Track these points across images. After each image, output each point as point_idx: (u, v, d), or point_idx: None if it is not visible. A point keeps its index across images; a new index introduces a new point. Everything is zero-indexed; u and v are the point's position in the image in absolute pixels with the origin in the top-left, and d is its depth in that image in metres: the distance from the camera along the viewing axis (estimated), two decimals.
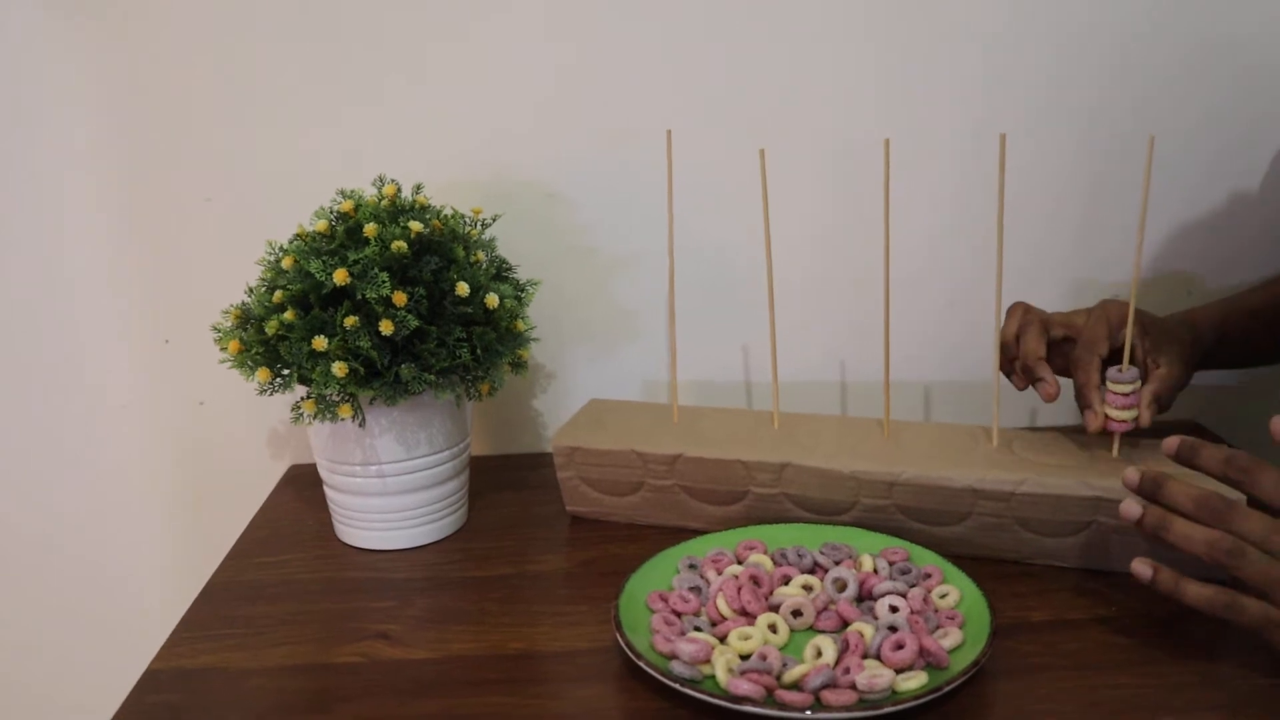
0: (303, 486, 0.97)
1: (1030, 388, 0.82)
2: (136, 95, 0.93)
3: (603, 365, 1.02)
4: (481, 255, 0.82)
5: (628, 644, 0.65)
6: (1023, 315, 0.84)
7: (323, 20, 0.91)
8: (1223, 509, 0.64)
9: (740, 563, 0.76)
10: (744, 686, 0.61)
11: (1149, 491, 0.68)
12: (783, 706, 0.60)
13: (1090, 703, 0.63)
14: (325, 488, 0.86)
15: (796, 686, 0.62)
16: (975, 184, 0.95)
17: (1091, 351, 0.79)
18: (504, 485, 0.95)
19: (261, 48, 0.92)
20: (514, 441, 1.03)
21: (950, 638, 0.66)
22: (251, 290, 0.83)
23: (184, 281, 0.98)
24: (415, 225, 0.77)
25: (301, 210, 0.84)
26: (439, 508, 0.85)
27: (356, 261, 0.75)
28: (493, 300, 0.78)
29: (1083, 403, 0.79)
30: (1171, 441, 0.68)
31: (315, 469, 0.98)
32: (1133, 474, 0.68)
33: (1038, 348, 0.81)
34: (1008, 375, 0.84)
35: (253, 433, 1.02)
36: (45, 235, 0.96)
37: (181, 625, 0.75)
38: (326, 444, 0.82)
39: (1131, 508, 0.67)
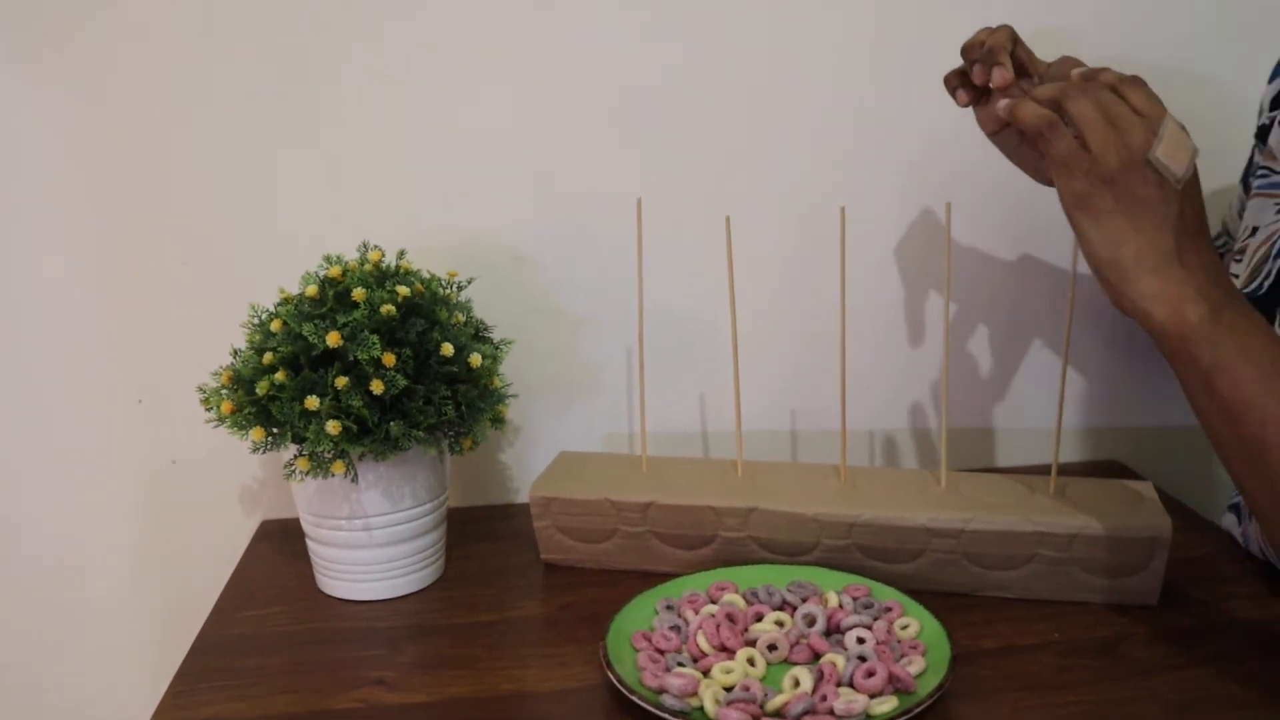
0: (277, 541, 1.00)
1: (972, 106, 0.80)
2: (114, 161, 0.96)
3: (567, 419, 1.06)
4: (461, 316, 0.86)
5: (620, 680, 0.70)
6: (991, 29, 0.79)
7: (298, 89, 0.95)
8: (1078, 68, 0.71)
9: (714, 602, 0.81)
10: (732, 715, 0.66)
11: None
12: None
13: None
14: (308, 541, 0.89)
15: (779, 714, 0.67)
16: (925, 249, 1.03)
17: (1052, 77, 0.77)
18: (477, 536, 0.99)
19: (238, 116, 0.96)
20: (483, 494, 1.07)
21: (915, 665, 0.71)
22: (237, 353, 0.86)
23: (158, 342, 1.00)
24: (403, 289, 0.81)
25: (276, 274, 0.89)
26: (421, 558, 0.88)
27: (346, 324, 0.79)
28: (476, 360, 0.83)
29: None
30: (1000, 75, 0.74)
31: (287, 524, 1.02)
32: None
33: (1005, 41, 0.76)
34: (954, 88, 0.80)
35: (225, 490, 1.04)
36: (23, 295, 0.98)
37: (178, 679, 0.78)
38: (312, 499, 0.85)
39: (998, 72, 0.73)
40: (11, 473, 1.02)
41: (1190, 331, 0.64)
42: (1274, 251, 0.82)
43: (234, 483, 1.04)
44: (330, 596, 0.89)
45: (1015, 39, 0.77)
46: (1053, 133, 0.66)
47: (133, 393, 1.01)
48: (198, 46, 0.94)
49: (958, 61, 0.79)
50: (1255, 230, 0.85)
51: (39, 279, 0.98)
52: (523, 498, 1.08)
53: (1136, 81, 0.67)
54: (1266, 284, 0.81)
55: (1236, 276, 0.84)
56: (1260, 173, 0.86)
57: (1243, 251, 0.85)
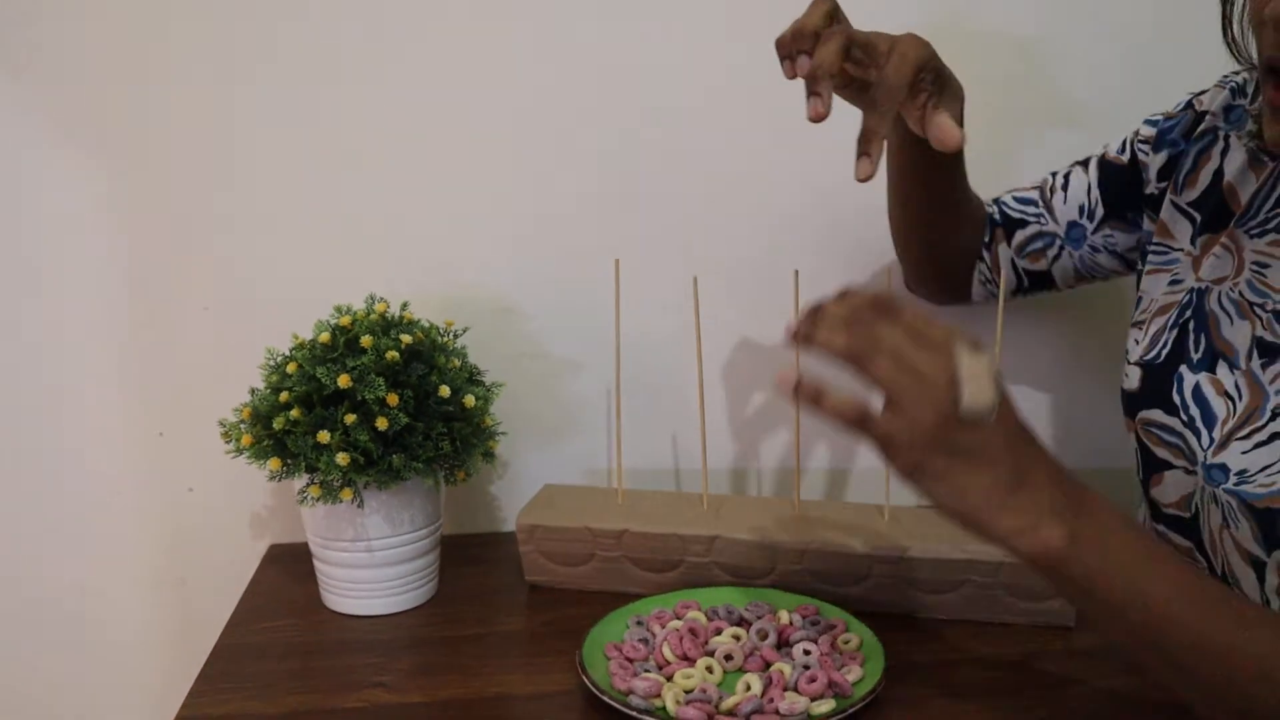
0: (286, 563, 1.09)
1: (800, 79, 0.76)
2: (144, 215, 1.06)
3: (550, 455, 1.16)
4: (456, 361, 0.97)
5: (593, 683, 0.80)
6: (825, 15, 0.76)
7: (315, 160, 1.06)
8: (868, 318, 0.65)
9: (679, 619, 0.91)
10: (690, 713, 0.76)
11: (809, 312, 0.68)
12: None
13: None
14: (316, 561, 0.98)
15: (732, 713, 0.77)
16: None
17: (890, 99, 0.75)
18: (467, 560, 1.08)
19: (260, 181, 1.06)
20: (473, 523, 1.17)
21: (854, 673, 0.81)
22: (254, 391, 0.96)
23: (178, 380, 1.10)
24: (405, 338, 0.92)
25: (288, 321, 0.98)
26: (417, 578, 0.98)
27: (355, 367, 0.90)
28: (470, 400, 0.93)
29: (862, 149, 0.74)
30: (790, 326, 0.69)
31: (294, 548, 1.11)
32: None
33: (831, 62, 0.73)
34: (785, 58, 0.76)
35: (236, 516, 1.14)
36: (53, 337, 1.07)
37: (199, 681, 0.87)
38: (321, 523, 0.95)
39: (789, 324, 0.68)
40: (38, 498, 1.11)
41: (1056, 555, 0.63)
42: (1170, 323, 0.89)
43: (245, 510, 1.14)
44: (335, 612, 0.98)
45: (850, 41, 0.75)
46: (867, 424, 0.65)
47: (155, 426, 1.11)
48: (222, 111, 1.05)
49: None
50: (1154, 301, 0.92)
51: (73, 320, 1.07)
52: (509, 526, 1.18)
53: (919, 323, 0.65)
54: (1164, 352, 0.89)
55: (1137, 343, 0.92)
56: (1155, 247, 0.93)
57: (1141, 323, 0.92)
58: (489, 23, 1.06)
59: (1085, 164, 1.01)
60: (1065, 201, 1.01)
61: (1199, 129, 0.92)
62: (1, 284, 1.06)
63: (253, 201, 1.07)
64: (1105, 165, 0.99)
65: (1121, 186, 0.98)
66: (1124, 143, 0.98)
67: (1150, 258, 0.94)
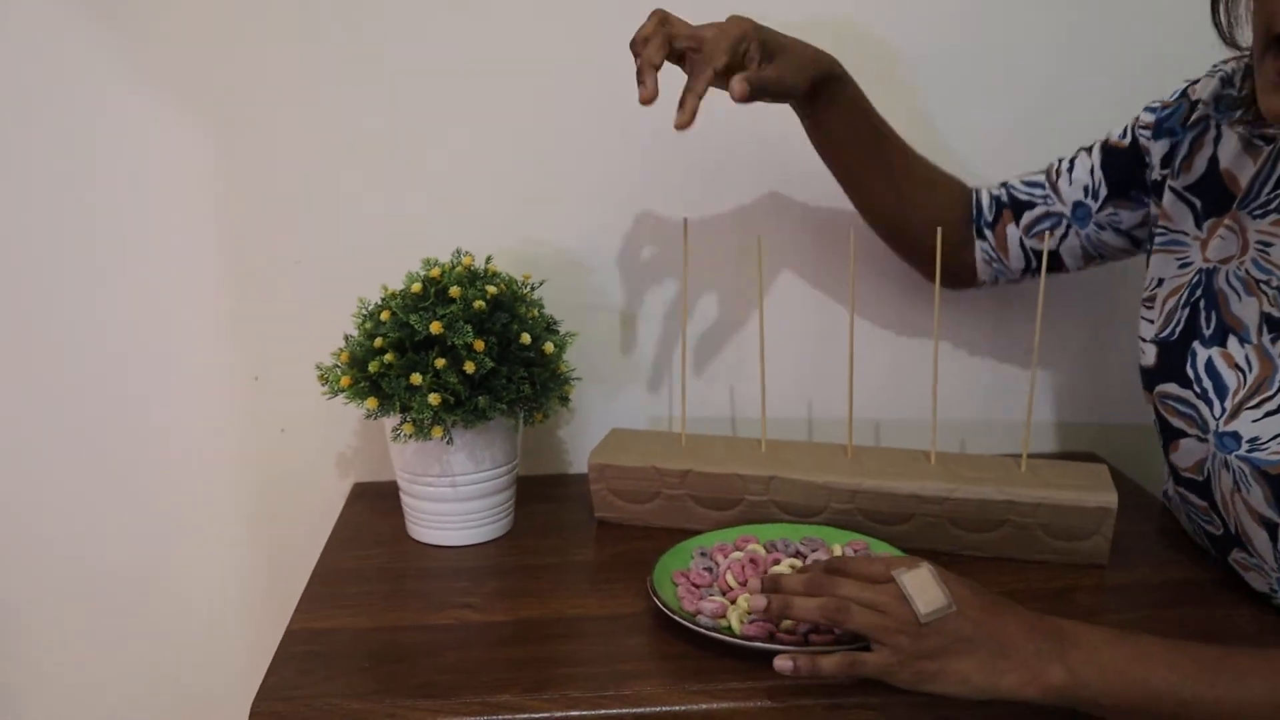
0: (371, 499, 1.18)
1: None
2: (242, 178, 1.14)
3: (613, 402, 1.24)
4: (535, 312, 1.04)
5: (664, 604, 0.88)
6: (656, 24, 0.91)
7: (401, 125, 1.14)
8: (825, 581, 0.79)
9: (739, 550, 0.98)
10: (754, 629, 0.84)
11: (770, 588, 0.82)
12: (782, 644, 0.83)
13: None
14: (403, 495, 1.07)
15: (790, 631, 0.85)
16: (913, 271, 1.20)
17: (707, 63, 0.89)
18: (539, 498, 1.16)
19: (343, 142, 1.14)
20: (544, 464, 1.25)
21: None
22: (349, 338, 1.04)
23: (272, 328, 1.18)
24: (491, 289, 1.00)
25: (373, 273, 1.07)
26: (496, 512, 1.06)
27: (444, 315, 0.98)
28: (549, 348, 1.01)
29: (680, 103, 0.88)
30: (759, 601, 0.81)
31: (378, 486, 1.20)
32: (758, 587, 0.85)
33: (654, 56, 0.89)
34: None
35: (324, 456, 1.23)
36: (157, 289, 1.16)
37: (304, 600, 0.96)
38: (411, 460, 1.03)
39: (758, 600, 0.81)
40: (143, 441, 1.20)
41: (1063, 690, 0.73)
42: (1181, 302, 0.95)
43: (332, 450, 1.23)
44: (420, 543, 1.07)
45: (671, 37, 0.90)
46: (860, 666, 0.76)
47: (249, 370, 1.20)
48: (312, 77, 1.12)
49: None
50: (1161, 281, 0.98)
51: (175, 273, 1.16)
52: (575, 469, 1.26)
53: (852, 561, 0.81)
54: (1178, 330, 0.95)
55: (1151, 323, 0.98)
56: (1159, 231, 0.99)
57: (1152, 299, 0.99)
58: None
59: (1089, 149, 1.06)
60: (1070, 183, 1.06)
61: (1193, 117, 0.97)
62: (109, 240, 1.14)
63: (342, 163, 1.15)
64: (1107, 149, 1.04)
65: (1124, 169, 1.03)
66: (1125, 128, 1.03)
67: (1157, 239, 0.99)
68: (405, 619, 0.92)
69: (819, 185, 1.19)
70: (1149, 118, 1.01)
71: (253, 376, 1.20)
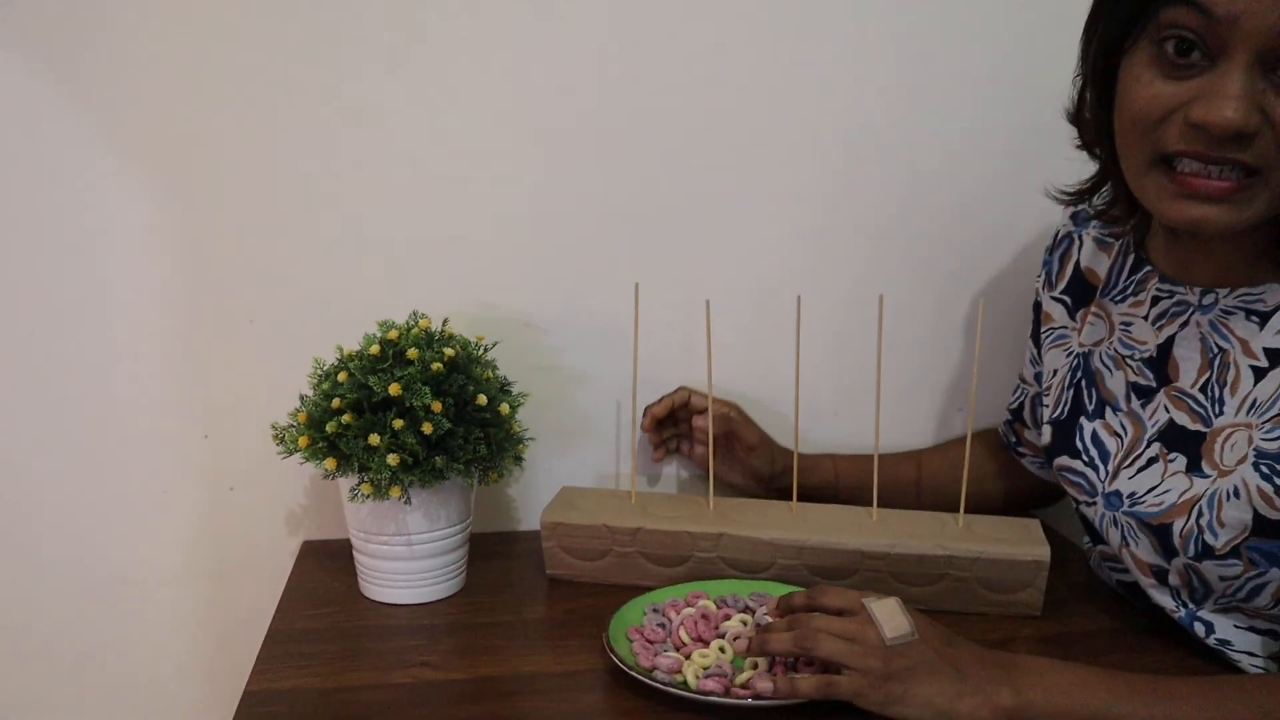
0: (321, 558, 1.18)
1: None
2: (193, 235, 1.15)
3: (562, 460, 1.26)
4: (490, 373, 1.07)
5: (620, 660, 0.90)
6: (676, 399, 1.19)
7: (354, 190, 1.16)
8: (801, 618, 0.89)
9: (691, 606, 1.01)
10: (710, 685, 0.87)
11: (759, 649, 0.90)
12: (737, 698, 0.86)
13: None
14: (357, 554, 1.08)
15: (745, 686, 0.88)
16: (858, 331, 1.25)
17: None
18: (489, 555, 1.18)
19: (297, 202, 1.15)
20: (491, 521, 1.26)
21: None
22: (304, 398, 1.06)
23: (222, 386, 1.18)
24: (448, 351, 1.02)
25: (327, 334, 1.08)
26: (450, 570, 1.08)
27: (402, 377, 1.00)
28: (505, 408, 1.03)
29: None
30: (741, 645, 0.92)
31: (327, 544, 1.21)
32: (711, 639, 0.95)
33: (649, 427, 1.18)
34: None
35: (273, 515, 1.23)
36: (109, 345, 1.16)
37: (260, 660, 0.96)
38: (366, 519, 1.04)
39: (740, 644, 0.92)
40: (90, 495, 1.19)
41: (1012, 711, 0.82)
42: (1066, 384, 1.07)
43: (281, 508, 1.23)
44: (373, 601, 1.08)
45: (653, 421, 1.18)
46: (834, 688, 0.84)
47: (200, 429, 1.20)
48: (267, 137, 1.13)
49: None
50: (1055, 372, 1.10)
51: (128, 330, 1.16)
52: (524, 526, 1.27)
53: (825, 595, 0.90)
54: (1066, 409, 1.06)
55: (1046, 407, 1.10)
56: (1045, 331, 1.13)
57: (1049, 389, 1.10)
58: (516, 56, 1.15)
59: (1028, 333, 1.21)
60: (1027, 365, 1.22)
61: (1058, 240, 1.13)
62: (61, 295, 1.14)
63: (296, 224, 1.16)
64: (1033, 324, 1.19)
65: (1036, 328, 1.17)
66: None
67: (1046, 340, 1.13)
68: (364, 678, 0.93)
69: (767, 250, 1.24)
70: (1040, 271, 1.16)
71: (202, 435, 1.20)
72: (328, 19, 1.11)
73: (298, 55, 1.12)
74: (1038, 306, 1.16)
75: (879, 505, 1.11)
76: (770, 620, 0.94)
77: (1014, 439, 1.25)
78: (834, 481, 1.23)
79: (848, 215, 1.25)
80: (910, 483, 1.25)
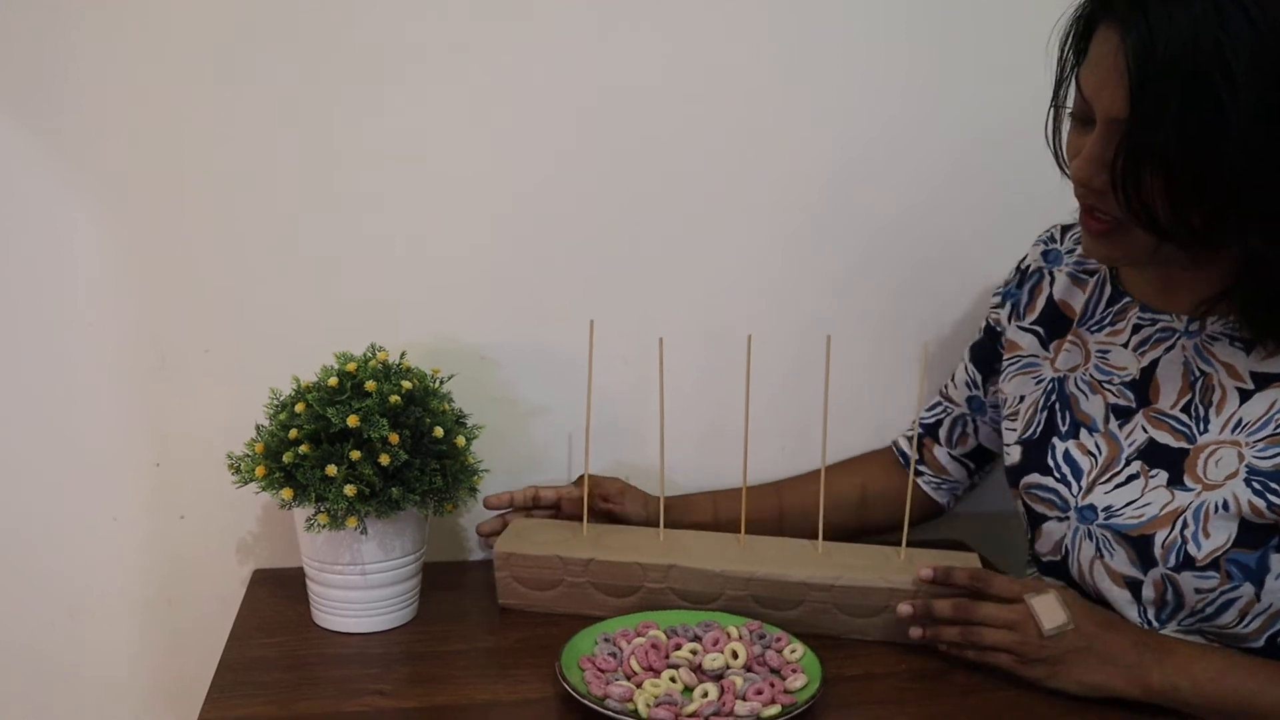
0: (272, 586, 1.19)
1: None
2: (149, 265, 1.16)
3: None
4: (447, 406, 1.08)
5: (573, 689, 0.92)
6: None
7: (304, 213, 1.17)
8: (967, 607, 1.02)
9: (642, 636, 1.03)
10: (661, 713, 0.89)
11: (922, 613, 1.04)
12: None
13: None
14: (310, 583, 1.09)
15: (694, 714, 0.90)
16: (810, 368, 1.28)
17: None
18: (441, 585, 1.18)
19: (255, 236, 1.17)
20: (442, 551, 1.27)
21: (799, 680, 0.95)
22: (260, 428, 1.07)
23: (174, 415, 1.19)
24: (406, 384, 1.04)
25: (283, 364, 1.10)
26: (404, 599, 1.09)
27: (360, 409, 1.01)
28: (461, 440, 1.05)
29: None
30: (926, 571, 1.05)
31: (278, 573, 1.22)
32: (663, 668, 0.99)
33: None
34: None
35: (224, 543, 1.23)
36: (62, 373, 1.16)
37: (214, 688, 0.97)
38: (321, 548, 1.05)
39: (904, 607, 1.05)
40: (38, 522, 1.19)
41: (1160, 691, 0.93)
42: (1040, 406, 1.11)
43: (233, 537, 1.23)
44: (326, 629, 1.09)
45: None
46: (990, 658, 1.00)
47: (151, 457, 1.20)
48: (224, 169, 1.15)
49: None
50: (1023, 398, 1.14)
51: (82, 358, 1.16)
52: (475, 556, 1.29)
53: (992, 584, 1.01)
54: (1039, 430, 1.10)
55: (1014, 430, 1.14)
56: (1011, 359, 1.17)
57: (1015, 414, 1.14)
58: (477, 94, 1.18)
59: (963, 358, 1.26)
60: (957, 387, 1.26)
61: (1028, 273, 1.18)
62: (15, 321, 1.15)
63: (252, 254, 1.17)
64: (973, 348, 1.25)
65: (989, 351, 1.22)
66: (981, 327, 1.24)
67: (1010, 368, 1.17)
68: (318, 707, 0.94)
69: (717, 289, 1.27)
70: (997, 299, 1.21)
71: (154, 463, 1.20)
72: (284, 44, 1.13)
73: (255, 83, 1.14)
74: (995, 334, 1.21)
75: (747, 533, 1.16)
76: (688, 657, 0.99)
77: (918, 456, 1.28)
78: (714, 515, 1.26)
79: (800, 258, 1.29)
80: (773, 509, 1.28)
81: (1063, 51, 0.96)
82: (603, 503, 1.21)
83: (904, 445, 1.30)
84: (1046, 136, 0.99)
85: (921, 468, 1.28)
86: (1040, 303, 1.15)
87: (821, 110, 1.25)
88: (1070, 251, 1.14)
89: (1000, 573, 1.07)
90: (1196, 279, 0.98)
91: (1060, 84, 0.97)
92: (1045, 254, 1.17)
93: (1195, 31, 0.82)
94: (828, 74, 1.24)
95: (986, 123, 1.28)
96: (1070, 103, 0.95)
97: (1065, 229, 1.16)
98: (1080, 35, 0.93)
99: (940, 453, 1.27)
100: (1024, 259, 1.19)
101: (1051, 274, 1.15)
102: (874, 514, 1.28)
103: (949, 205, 1.31)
